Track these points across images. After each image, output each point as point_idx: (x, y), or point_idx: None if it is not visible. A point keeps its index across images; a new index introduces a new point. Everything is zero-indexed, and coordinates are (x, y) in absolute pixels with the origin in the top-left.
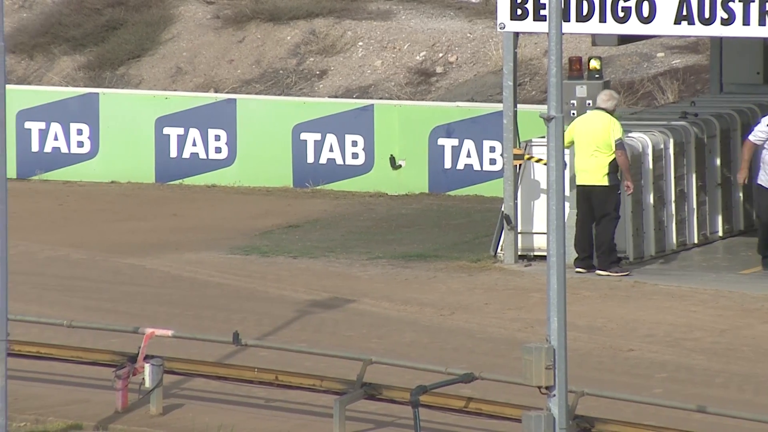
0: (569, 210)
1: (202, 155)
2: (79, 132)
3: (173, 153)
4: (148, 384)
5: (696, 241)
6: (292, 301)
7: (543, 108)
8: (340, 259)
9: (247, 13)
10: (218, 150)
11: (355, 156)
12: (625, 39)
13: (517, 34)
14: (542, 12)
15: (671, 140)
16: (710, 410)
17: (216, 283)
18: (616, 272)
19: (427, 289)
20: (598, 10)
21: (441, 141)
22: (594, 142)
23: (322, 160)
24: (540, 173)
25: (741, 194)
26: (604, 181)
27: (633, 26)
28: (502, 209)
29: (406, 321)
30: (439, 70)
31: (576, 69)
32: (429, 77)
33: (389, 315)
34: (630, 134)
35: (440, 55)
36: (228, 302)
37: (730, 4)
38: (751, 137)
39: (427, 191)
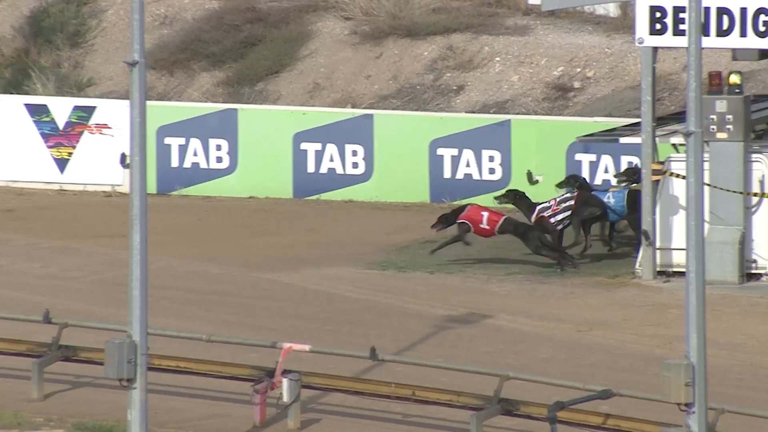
0: (708, 226)
1: (339, 170)
2: (218, 147)
3: (311, 168)
4: (285, 398)
5: None
6: (428, 317)
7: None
8: (476, 274)
9: (384, 29)
10: (355, 165)
11: (492, 171)
12: (766, 53)
13: (655, 49)
14: (681, 27)
15: None
16: None
17: (353, 298)
18: None
19: (564, 304)
20: (738, 25)
21: (578, 156)
22: None
23: (459, 176)
24: (679, 189)
25: None
26: None
27: None
28: (641, 225)
29: (543, 337)
30: (576, 85)
31: (715, 84)
32: (566, 92)
33: (526, 330)
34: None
35: (578, 70)
36: (365, 317)
37: None
38: None
39: None
